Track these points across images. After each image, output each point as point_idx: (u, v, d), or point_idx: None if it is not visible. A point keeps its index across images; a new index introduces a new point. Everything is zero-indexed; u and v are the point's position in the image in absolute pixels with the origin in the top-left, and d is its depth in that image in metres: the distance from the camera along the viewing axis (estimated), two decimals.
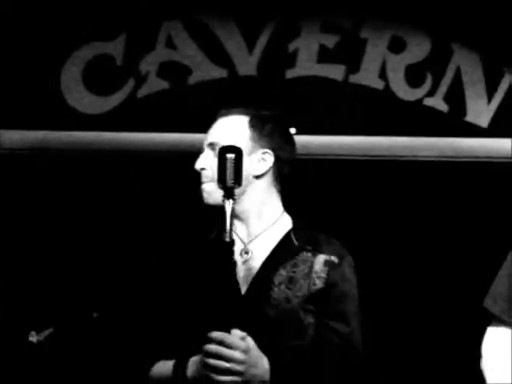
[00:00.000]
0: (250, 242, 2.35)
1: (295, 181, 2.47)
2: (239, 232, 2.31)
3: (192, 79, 3.86)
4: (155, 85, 3.89)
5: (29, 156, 3.93)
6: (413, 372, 3.78)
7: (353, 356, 2.34)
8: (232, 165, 2.15)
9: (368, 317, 2.48)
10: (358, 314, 2.37)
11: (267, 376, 2.22)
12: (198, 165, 2.34)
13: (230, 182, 2.14)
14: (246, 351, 2.17)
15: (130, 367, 2.52)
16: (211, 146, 2.31)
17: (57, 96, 3.89)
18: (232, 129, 2.32)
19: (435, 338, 3.76)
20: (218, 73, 3.87)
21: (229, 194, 2.11)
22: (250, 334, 2.21)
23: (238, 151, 2.15)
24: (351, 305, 2.37)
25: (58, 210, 3.84)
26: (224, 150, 2.14)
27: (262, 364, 2.23)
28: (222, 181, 2.15)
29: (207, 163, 2.32)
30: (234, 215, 2.16)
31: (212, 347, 2.13)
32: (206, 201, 2.34)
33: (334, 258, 2.35)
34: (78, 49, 3.88)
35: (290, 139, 2.39)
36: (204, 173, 2.34)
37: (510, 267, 2.71)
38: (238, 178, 2.15)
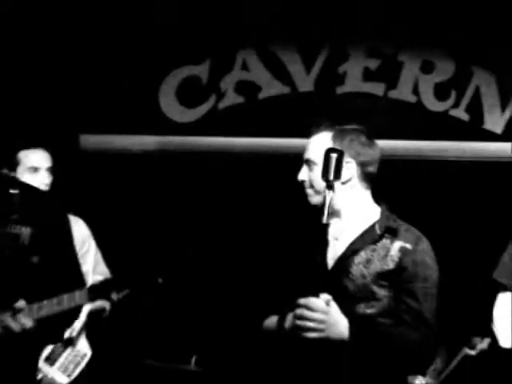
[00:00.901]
0: (341, 230, 2.57)
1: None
2: (333, 223, 2.50)
3: (261, 95, 4.34)
4: (232, 99, 4.37)
5: (135, 155, 4.39)
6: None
7: (422, 329, 2.47)
8: (334, 163, 2.40)
9: None
10: (432, 295, 2.51)
11: (346, 334, 2.43)
12: (299, 177, 2.61)
13: (331, 176, 2.39)
14: (326, 312, 2.40)
15: (248, 321, 2.78)
16: (306, 162, 2.59)
17: (156, 108, 4.37)
18: (320, 145, 2.53)
19: (458, 305, 3.85)
20: (282, 90, 4.33)
21: (330, 186, 2.39)
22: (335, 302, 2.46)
23: (339, 152, 2.41)
24: (422, 285, 2.50)
25: (156, 198, 4.24)
26: (329, 151, 2.41)
27: (342, 324, 2.44)
28: (325, 175, 2.41)
29: (305, 176, 2.59)
30: (330, 208, 2.40)
31: (298, 311, 2.40)
32: (310, 201, 2.59)
33: (408, 246, 2.50)
34: (173, 71, 4.37)
35: (369, 145, 2.58)
36: (304, 183, 2.60)
37: None
38: (337, 174, 2.40)
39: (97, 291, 2.69)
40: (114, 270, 3.07)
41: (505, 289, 2.98)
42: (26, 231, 2.72)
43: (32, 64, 4.33)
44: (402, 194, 4.01)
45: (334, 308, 2.41)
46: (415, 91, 4.28)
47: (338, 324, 2.42)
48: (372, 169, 2.58)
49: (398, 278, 2.48)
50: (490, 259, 3.13)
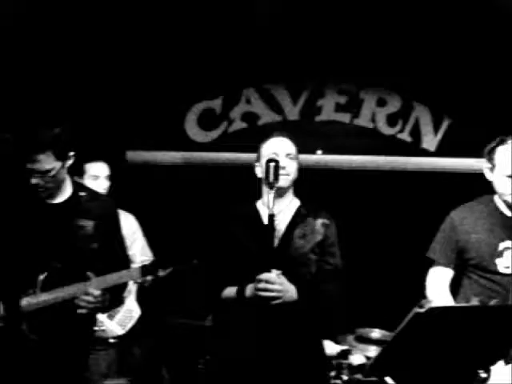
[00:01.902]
0: (279, 213, 2.81)
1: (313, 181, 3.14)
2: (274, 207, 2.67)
3: (260, 122, 4.80)
4: (239, 125, 4.83)
5: (162, 167, 4.75)
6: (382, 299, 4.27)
7: (338, 274, 2.86)
8: (273, 169, 2.69)
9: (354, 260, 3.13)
10: (339, 252, 2.89)
11: (295, 296, 2.74)
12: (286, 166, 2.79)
13: (271, 179, 2.67)
14: (280, 283, 2.69)
15: (211, 291, 2.96)
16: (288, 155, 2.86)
17: (182, 132, 4.82)
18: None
19: (400, 274, 4.26)
20: (276, 118, 4.80)
21: (271, 187, 2.68)
22: (282, 269, 2.70)
23: (276, 161, 2.69)
24: (335, 247, 2.90)
25: (183, 200, 4.55)
26: (268, 161, 2.69)
27: (292, 289, 2.74)
28: (267, 179, 2.69)
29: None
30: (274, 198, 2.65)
31: (260, 285, 2.68)
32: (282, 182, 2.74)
33: (326, 221, 2.89)
34: (195, 104, 4.82)
35: None
36: (285, 169, 2.80)
37: (443, 229, 3.14)
38: (276, 177, 2.69)
39: (148, 269, 2.90)
40: (159, 254, 3.08)
41: (435, 263, 3.15)
42: (89, 224, 2.96)
43: (90, 96, 4.59)
44: (362, 197, 4.53)
45: (284, 278, 2.69)
46: (373, 119, 4.75)
47: (289, 290, 2.71)
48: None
49: (323, 244, 2.84)
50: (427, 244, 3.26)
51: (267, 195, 2.74)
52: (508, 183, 2.96)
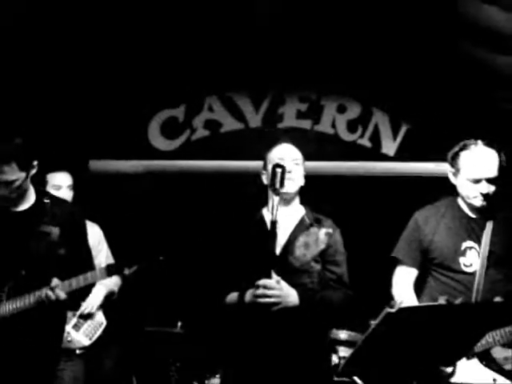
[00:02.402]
0: (284, 220, 2.79)
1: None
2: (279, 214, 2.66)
3: (223, 130, 4.83)
4: (201, 133, 4.85)
5: (125, 176, 4.79)
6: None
7: (341, 283, 2.85)
8: (279, 176, 2.66)
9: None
10: (345, 263, 2.90)
11: (297, 301, 2.70)
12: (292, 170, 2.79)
13: (278, 185, 2.65)
14: (280, 289, 2.66)
15: (212, 298, 2.93)
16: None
17: (145, 140, 4.85)
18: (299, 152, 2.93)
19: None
20: (238, 126, 4.82)
21: (277, 193, 2.65)
22: (283, 277, 2.67)
23: (283, 167, 2.68)
24: (341, 257, 2.89)
25: (146, 206, 4.61)
26: (275, 166, 2.68)
27: (293, 294, 2.71)
28: (272, 185, 2.66)
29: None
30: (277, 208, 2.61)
31: (258, 291, 2.65)
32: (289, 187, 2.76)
33: (330, 231, 2.87)
34: (158, 113, 4.86)
35: None
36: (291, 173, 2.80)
37: (408, 229, 3.15)
38: (282, 183, 2.67)
39: (113, 268, 2.96)
40: (123, 254, 3.08)
41: (400, 263, 3.16)
42: (55, 230, 2.96)
43: (53, 107, 4.59)
44: (324, 202, 4.04)
45: (284, 284, 2.68)
46: (333, 126, 4.81)
47: (290, 295, 2.70)
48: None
49: (326, 253, 2.85)
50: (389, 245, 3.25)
51: (272, 202, 2.72)
52: (472, 187, 2.99)
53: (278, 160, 2.81)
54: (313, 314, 2.77)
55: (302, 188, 2.93)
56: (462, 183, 3.03)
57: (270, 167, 2.80)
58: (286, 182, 2.70)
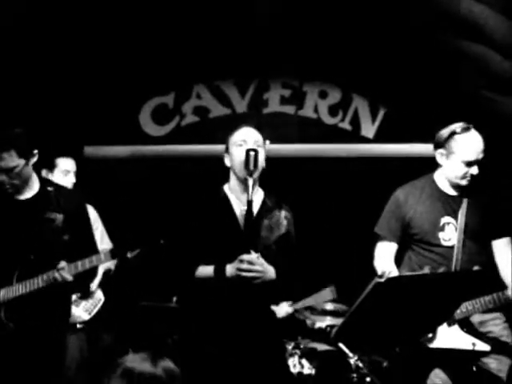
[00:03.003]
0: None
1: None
2: (244, 197, 2.74)
3: (211, 115, 4.90)
4: (191, 119, 4.92)
5: (119, 160, 4.85)
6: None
7: (296, 263, 2.95)
8: (253, 158, 2.70)
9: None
10: (294, 239, 2.98)
11: (274, 275, 2.80)
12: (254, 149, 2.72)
13: (251, 167, 2.69)
14: (261, 264, 2.74)
15: (183, 271, 2.93)
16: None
17: (136, 125, 4.89)
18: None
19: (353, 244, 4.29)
20: (225, 111, 4.91)
21: (251, 174, 2.69)
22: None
23: (256, 150, 2.72)
24: (292, 235, 2.97)
25: (139, 189, 4.66)
26: (248, 150, 2.70)
27: (270, 269, 2.79)
28: (247, 167, 2.70)
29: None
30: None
31: (244, 266, 2.72)
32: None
33: (288, 215, 2.95)
34: (149, 100, 4.90)
35: None
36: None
37: (389, 206, 3.20)
38: (256, 165, 2.70)
39: (117, 252, 3.00)
40: (125, 238, 3.06)
41: (381, 238, 3.22)
42: (59, 217, 3.02)
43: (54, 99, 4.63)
44: (309, 182, 4.64)
45: (263, 260, 2.77)
46: (316, 111, 4.90)
47: (269, 270, 2.80)
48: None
49: (285, 237, 2.93)
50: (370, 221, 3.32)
51: (237, 183, 2.79)
52: (463, 168, 3.05)
53: (241, 142, 2.84)
54: (284, 286, 2.85)
55: (263, 171, 2.88)
56: (453, 164, 3.07)
57: (232, 150, 2.84)
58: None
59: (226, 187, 2.96)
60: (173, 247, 2.92)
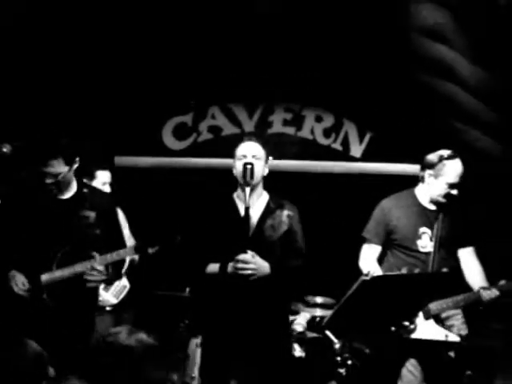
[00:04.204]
0: (253, 205, 2.90)
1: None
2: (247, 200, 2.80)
3: (223, 133, 4.97)
4: (206, 136, 4.98)
5: (144, 169, 4.90)
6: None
7: (299, 259, 2.97)
8: (249, 170, 2.80)
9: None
10: (303, 238, 2.99)
11: (268, 270, 2.83)
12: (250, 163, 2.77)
13: (248, 178, 2.77)
14: (255, 262, 2.80)
15: (195, 266, 3.03)
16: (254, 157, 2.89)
17: (159, 140, 4.95)
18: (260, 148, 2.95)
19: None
20: (235, 130, 4.94)
21: (248, 184, 2.77)
22: (255, 252, 2.81)
23: (252, 164, 2.80)
24: (299, 235, 2.99)
25: (162, 195, 4.67)
26: (246, 164, 2.81)
27: (265, 266, 2.84)
28: (244, 178, 2.80)
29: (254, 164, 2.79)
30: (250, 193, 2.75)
31: (239, 265, 2.79)
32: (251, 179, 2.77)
33: (290, 213, 2.96)
34: (170, 119, 4.95)
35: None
36: (253, 168, 2.78)
37: (375, 214, 3.27)
38: (252, 176, 2.79)
39: (139, 247, 3.13)
40: (146, 236, 3.15)
41: (367, 241, 3.28)
42: (92, 214, 3.13)
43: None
44: (305, 194, 4.44)
45: (258, 258, 2.83)
46: (312, 132, 4.92)
47: (264, 266, 2.85)
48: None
49: (288, 233, 2.95)
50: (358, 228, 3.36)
51: (241, 190, 2.85)
52: (446, 189, 3.16)
53: (241, 156, 2.89)
54: (280, 280, 2.88)
55: (265, 178, 2.96)
56: (438, 184, 3.16)
57: (236, 163, 2.91)
58: (254, 175, 2.78)
59: (234, 194, 3.02)
60: (187, 245, 2.97)
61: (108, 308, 3.90)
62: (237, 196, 2.98)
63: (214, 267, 2.88)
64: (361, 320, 2.61)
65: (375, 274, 2.66)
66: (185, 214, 3.30)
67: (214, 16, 4.49)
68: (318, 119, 4.91)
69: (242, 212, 2.84)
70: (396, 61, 4.40)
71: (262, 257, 2.81)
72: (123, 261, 3.26)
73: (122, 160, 4.86)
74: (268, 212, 2.93)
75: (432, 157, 3.19)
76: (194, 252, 2.96)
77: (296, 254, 2.95)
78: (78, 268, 3.06)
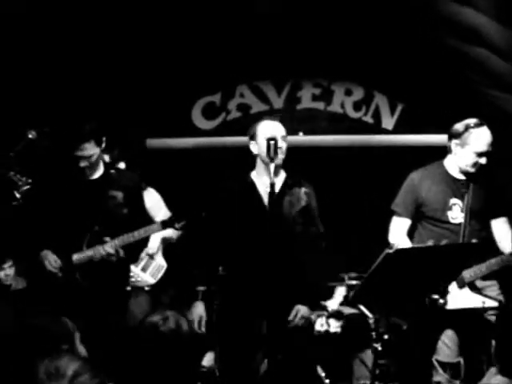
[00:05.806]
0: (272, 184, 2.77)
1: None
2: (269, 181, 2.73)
3: (252, 111, 4.94)
4: (235, 114, 4.97)
5: (175, 150, 4.87)
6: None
7: (321, 236, 2.99)
8: (273, 146, 2.70)
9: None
10: (318, 216, 2.99)
11: (308, 311, 2.84)
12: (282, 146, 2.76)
13: (272, 154, 2.69)
14: (302, 315, 2.81)
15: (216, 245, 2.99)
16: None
17: (189, 121, 4.94)
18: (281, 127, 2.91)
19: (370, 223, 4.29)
20: (264, 107, 4.94)
21: (272, 160, 2.69)
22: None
23: (275, 140, 2.73)
24: (317, 211, 3.00)
25: (192, 173, 4.64)
26: (269, 139, 2.71)
27: (304, 309, 2.83)
28: (269, 154, 2.71)
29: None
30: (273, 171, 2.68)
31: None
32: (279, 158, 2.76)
33: (307, 190, 2.95)
34: (200, 98, 4.93)
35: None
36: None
37: (405, 187, 3.22)
38: (276, 152, 2.72)
39: (167, 223, 3.15)
40: (174, 212, 3.25)
41: (397, 214, 3.25)
42: (119, 194, 3.17)
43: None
44: (336, 169, 4.65)
45: (298, 307, 2.81)
46: (342, 106, 4.92)
47: (304, 311, 2.82)
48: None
49: (307, 209, 2.94)
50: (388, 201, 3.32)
51: (262, 168, 2.82)
52: (474, 158, 3.09)
53: (271, 135, 2.79)
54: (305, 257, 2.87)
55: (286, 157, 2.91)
56: (465, 154, 3.11)
57: (260, 139, 2.85)
58: (279, 152, 2.75)
59: (252, 174, 2.98)
60: (210, 222, 2.98)
61: (146, 288, 3.88)
62: (256, 174, 2.93)
63: None
64: (389, 293, 2.55)
65: (399, 247, 2.58)
66: (211, 192, 3.22)
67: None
68: (348, 93, 4.88)
69: (261, 189, 2.82)
70: (424, 28, 4.30)
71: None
72: (143, 243, 3.22)
73: (153, 142, 4.87)
74: (286, 188, 2.92)
75: (458, 126, 3.13)
76: (216, 231, 2.94)
77: (315, 228, 2.93)
78: (89, 253, 3.06)
